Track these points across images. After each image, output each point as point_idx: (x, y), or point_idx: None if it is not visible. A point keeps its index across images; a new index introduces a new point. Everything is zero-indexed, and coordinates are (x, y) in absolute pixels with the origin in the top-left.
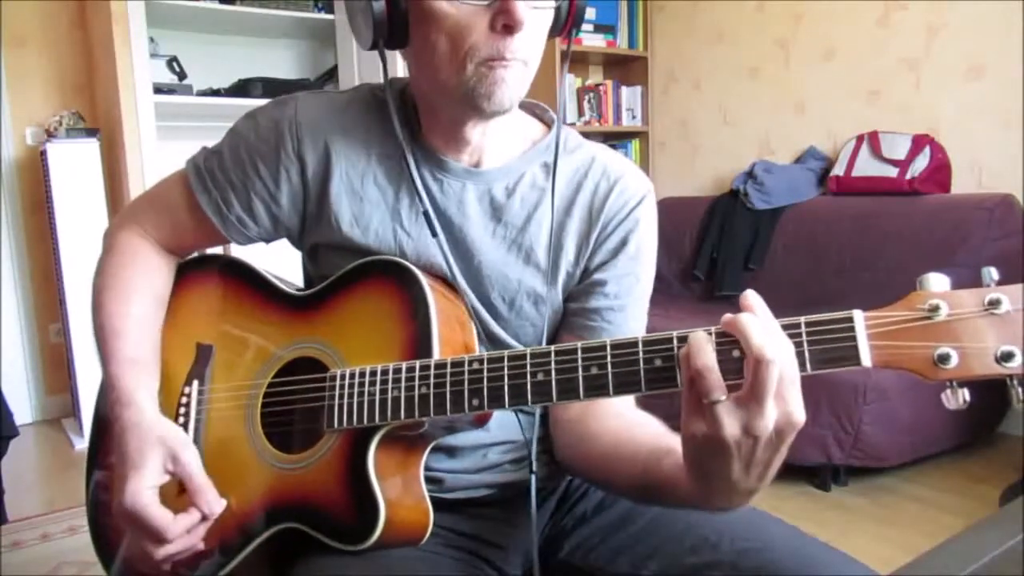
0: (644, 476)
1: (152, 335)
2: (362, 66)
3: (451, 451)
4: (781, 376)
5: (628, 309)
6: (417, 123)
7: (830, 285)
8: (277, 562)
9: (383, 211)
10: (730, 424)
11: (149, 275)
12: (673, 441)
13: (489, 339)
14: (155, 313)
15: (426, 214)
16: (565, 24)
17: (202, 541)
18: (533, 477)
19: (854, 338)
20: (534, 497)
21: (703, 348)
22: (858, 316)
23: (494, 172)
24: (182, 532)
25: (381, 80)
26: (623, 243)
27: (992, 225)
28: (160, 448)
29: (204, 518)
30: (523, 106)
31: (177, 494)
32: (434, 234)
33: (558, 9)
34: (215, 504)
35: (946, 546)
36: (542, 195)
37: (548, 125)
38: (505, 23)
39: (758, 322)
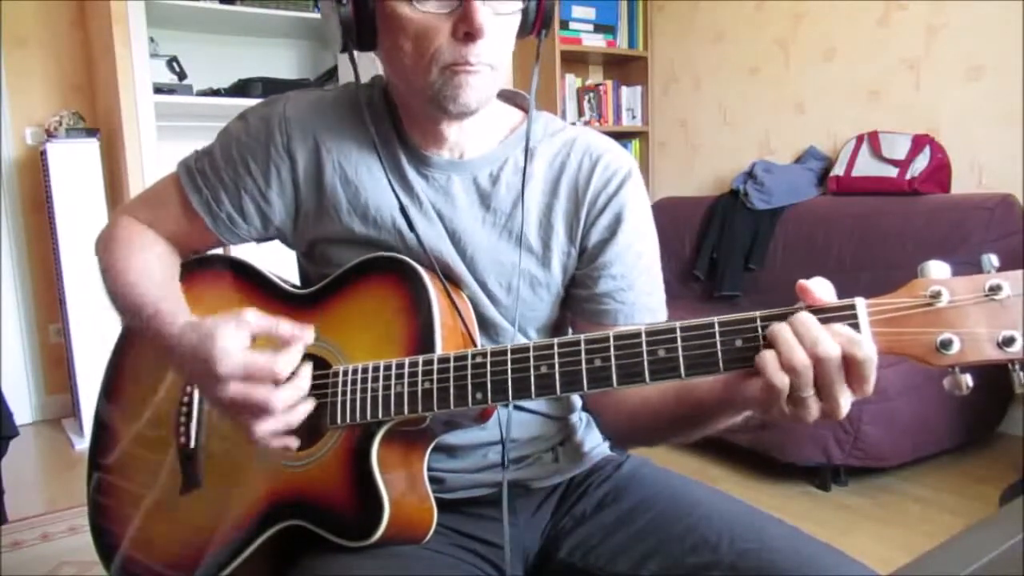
0: (678, 408)
1: (175, 287)
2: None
3: (451, 451)
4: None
5: (637, 285)
6: (400, 119)
7: None
8: (280, 560)
9: (378, 198)
10: (816, 411)
11: (156, 249)
12: None
13: (489, 326)
14: (171, 275)
15: (403, 210)
16: (534, 25)
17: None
18: (505, 482)
19: (857, 325)
20: (505, 498)
21: (797, 346)
22: (860, 303)
23: (477, 161)
24: (291, 364)
25: (370, 79)
26: (618, 220)
27: (992, 225)
28: (221, 323)
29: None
30: (501, 95)
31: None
32: (411, 227)
33: (525, 10)
34: (301, 330)
35: (946, 546)
36: (526, 179)
37: (527, 111)
38: (466, 30)
39: (847, 327)
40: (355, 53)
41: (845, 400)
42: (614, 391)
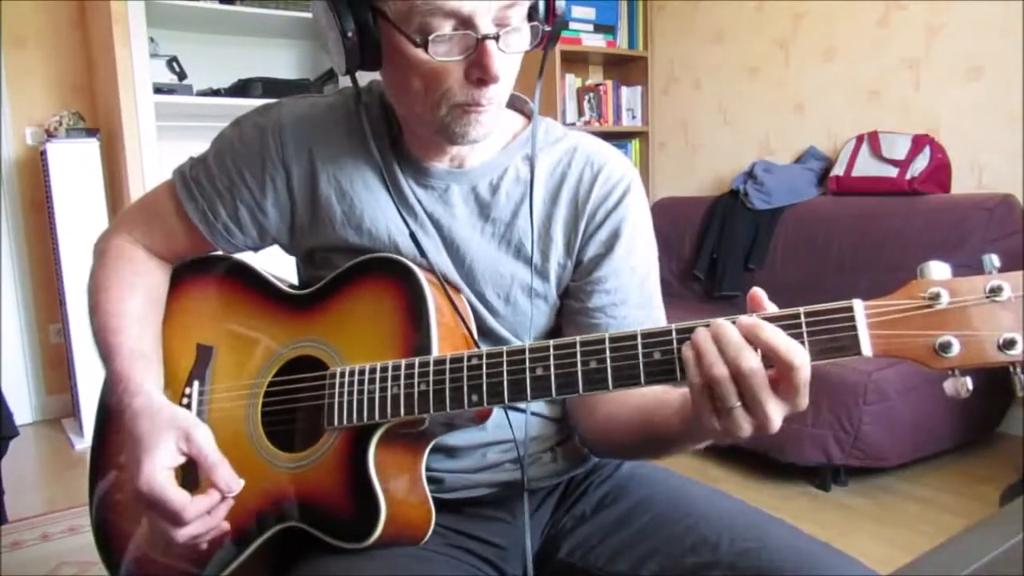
0: (644, 429)
1: (152, 332)
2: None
3: (451, 451)
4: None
5: (631, 299)
6: (399, 127)
7: (830, 285)
8: (278, 562)
9: (374, 210)
10: (745, 425)
11: (143, 276)
12: (662, 393)
13: (487, 335)
14: (153, 312)
15: (413, 236)
16: (540, 40)
17: (225, 522)
18: (525, 494)
19: (854, 327)
20: (527, 501)
21: (718, 358)
22: (858, 305)
23: (477, 170)
24: (201, 512)
25: (367, 84)
26: (615, 236)
27: (992, 225)
28: (172, 430)
29: (223, 498)
30: None
31: (199, 481)
32: (423, 254)
33: (534, 28)
34: (232, 481)
35: (946, 546)
36: (526, 188)
37: (528, 116)
38: (480, 76)
39: (775, 328)
40: (354, 77)
41: (774, 411)
42: (599, 401)
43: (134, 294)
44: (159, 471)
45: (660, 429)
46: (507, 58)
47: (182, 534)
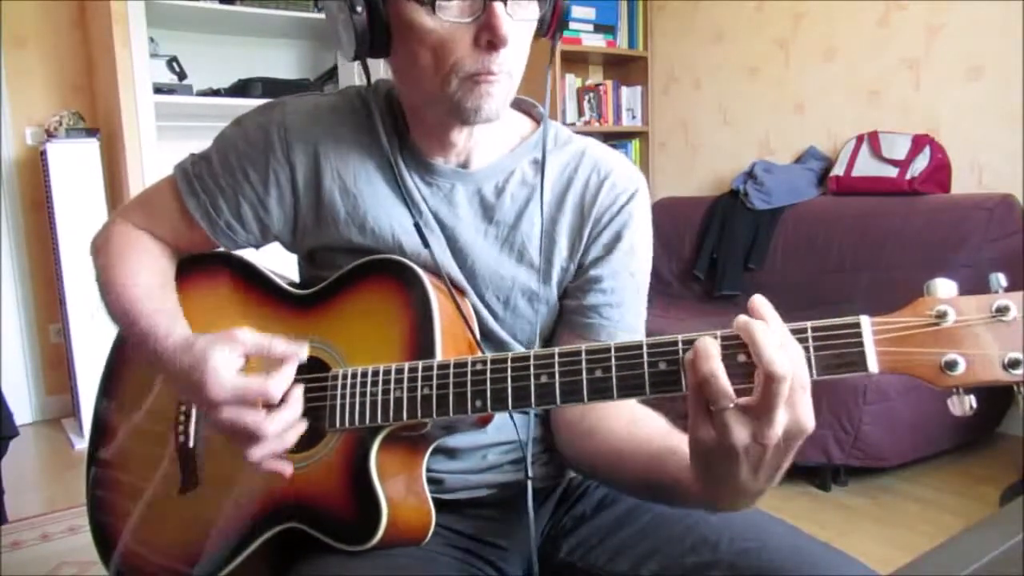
0: (649, 475)
1: (171, 299)
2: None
3: (451, 452)
4: (792, 386)
5: (625, 305)
6: (404, 125)
7: (830, 285)
8: (278, 562)
9: (377, 209)
10: (739, 431)
11: (149, 256)
12: (678, 440)
13: (488, 337)
14: (166, 282)
15: (417, 226)
16: (549, 27)
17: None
18: (529, 483)
19: (861, 344)
20: (531, 499)
21: (709, 354)
22: (865, 322)
23: (483, 171)
24: (285, 385)
25: (373, 83)
26: (617, 238)
27: (992, 225)
28: (216, 345)
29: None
30: (511, 102)
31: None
32: (426, 245)
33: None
34: (295, 347)
35: (946, 546)
36: (532, 192)
37: (537, 120)
38: (489, 39)
39: (769, 333)
40: (364, 63)
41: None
42: (591, 427)
43: (143, 269)
44: (224, 372)
45: (671, 475)
46: (516, 27)
47: (277, 422)
